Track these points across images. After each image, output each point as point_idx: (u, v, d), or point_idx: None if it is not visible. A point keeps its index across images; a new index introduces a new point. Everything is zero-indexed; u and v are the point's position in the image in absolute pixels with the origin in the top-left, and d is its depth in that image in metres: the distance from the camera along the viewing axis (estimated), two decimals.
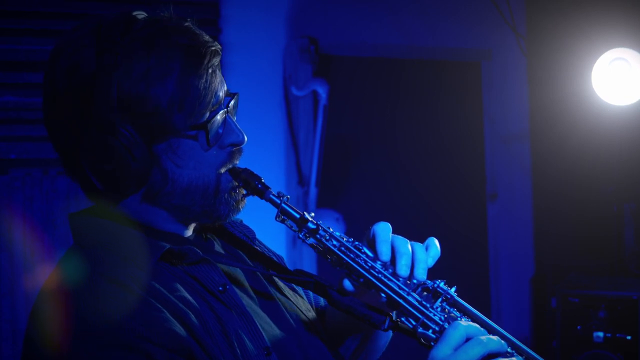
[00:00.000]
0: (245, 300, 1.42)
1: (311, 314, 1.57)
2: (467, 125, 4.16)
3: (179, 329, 1.26)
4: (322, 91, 3.52)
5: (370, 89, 3.87)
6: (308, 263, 3.59)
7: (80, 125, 1.32)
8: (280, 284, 1.56)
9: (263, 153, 3.54)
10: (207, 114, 1.36)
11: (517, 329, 4.21)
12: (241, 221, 1.60)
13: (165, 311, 1.27)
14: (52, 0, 3.19)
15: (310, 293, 1.66)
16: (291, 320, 1.49)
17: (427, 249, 1.42)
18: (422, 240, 1.47)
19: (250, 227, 1.61)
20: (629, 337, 3.33)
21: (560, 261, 4.09)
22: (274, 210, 1.42)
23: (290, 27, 3.62)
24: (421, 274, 1.39)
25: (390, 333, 1.62)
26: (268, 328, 1.42)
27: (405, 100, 3.95)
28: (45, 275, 3.10)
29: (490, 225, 4.24)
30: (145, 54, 1.30)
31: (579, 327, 3.42)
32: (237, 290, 1.41)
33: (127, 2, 3.26)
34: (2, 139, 3.13)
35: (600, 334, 3.37)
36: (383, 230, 1.42)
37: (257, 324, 1.37)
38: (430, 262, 1.41)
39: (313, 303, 1.67)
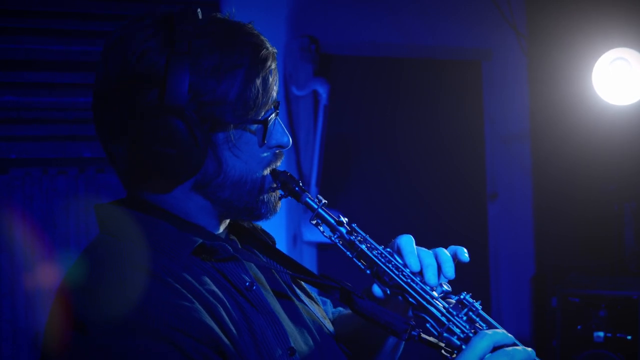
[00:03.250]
0: (270, 300, 1.44)
1: (327, 321, 1.59)
2: (468, 125, 4.16)
3: (209, 321, 1.28)
4: (322, 91, 3.52)
5: (370, 89, 3.86)
6: (308, 262, 3.59)
7: (145, 108, 1.34)
8: (299, 291, 1.58)
9: None
10: (264, 112, 1.41)
11: (518, 329, 4.21)
12: (260, 227, 1.63)
13: (196, 302, 1.29)
14: None
15: (321, 301, 1.70)
16: (311, 326, 1.50)
17: (454, 254, 1.50)
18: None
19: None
20: (629, 337, 3.33)
21: (561, 261, 4.09)
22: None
23: (291, 27, 3.62)
24: (450, 272, 1.46)
25: (400, 351, 1.66)
26: (290, 330, 1.43)
27: (405, 100, 3.95)
28: (46, 274, 3.11)
29: (491, 225, 4.24)
30: (218, 48, 1.36)
31: (579, 327, 3.42)
32: (263, 291, 1.43)
33: (128, 2, 3.25)
34: (2, 139, 3.13)
35: (601, 333, 3.37)
36: (407, 243, 1.47)
37: (282, 324, 1.39)
38: (464, 258, 1.50)
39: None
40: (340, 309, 1.74)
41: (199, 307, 1.28)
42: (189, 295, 1.29)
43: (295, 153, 3.62)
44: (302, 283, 1.62)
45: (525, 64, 4.29)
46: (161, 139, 1.33)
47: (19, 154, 3.16)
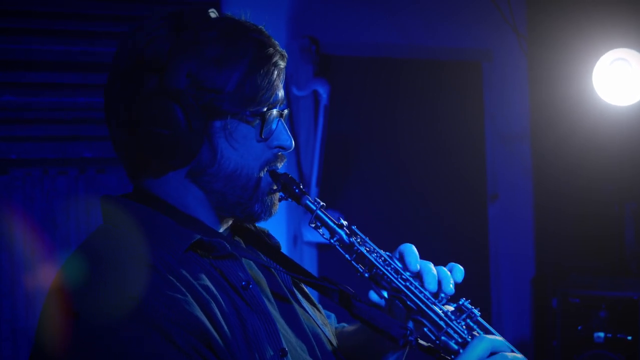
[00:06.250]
0: (266, 301, 1.44)
1: (327, 329, 1.59)
2: (468, 125, 4.16)
3: (200, 315, 1.28)
4: (322, 91, 3.52)
5: (371, 89, 3.86)
6: (308, 263, 3.59)
7: (146, 92, 1.37)
8: (300, 297, 1.58)
9: None
10: (266, 108, 1.42)
11: (518, 329, 4.21)
12: (267, 231, 1.64)
13: (189, 296, 1.29)
14: None
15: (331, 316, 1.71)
16: (307, 331, 1.50)
17: (450, 270, 1.48)
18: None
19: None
20: (629, 338, 3.33)
21: (561, 261, 4.09)
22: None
23: (291, 27, 3.62)
24: (449, 289, 1.44)
25: None
26: (285, 333, 1.43)
27: (406, 100, 3.95)
28: (46, 274, 3.10)
29: (491, 225, 4.24)
30: (222, 39, 1.39)
31: (579, 327, 3.42)
32: (259, 291, 1.43)
33: (129, 2, 3.25)
34: (3, 139, 3.13)
35: (601, 334, 3.37)
36: (409, 248, 1.48)
37: (276, 325, 1.39)
38: (459, 277, 1.47)
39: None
40: (344, 324, 1.74)
41: (192, 300, 1.29)
42: (183, 289, 1.30)
43: (296, 153, 3.62)
44: (305, 289, 1.62)
45: (525, 65, 4.29)
46: (156, 120, 1.36)
47: (19, 154, 3.16)
